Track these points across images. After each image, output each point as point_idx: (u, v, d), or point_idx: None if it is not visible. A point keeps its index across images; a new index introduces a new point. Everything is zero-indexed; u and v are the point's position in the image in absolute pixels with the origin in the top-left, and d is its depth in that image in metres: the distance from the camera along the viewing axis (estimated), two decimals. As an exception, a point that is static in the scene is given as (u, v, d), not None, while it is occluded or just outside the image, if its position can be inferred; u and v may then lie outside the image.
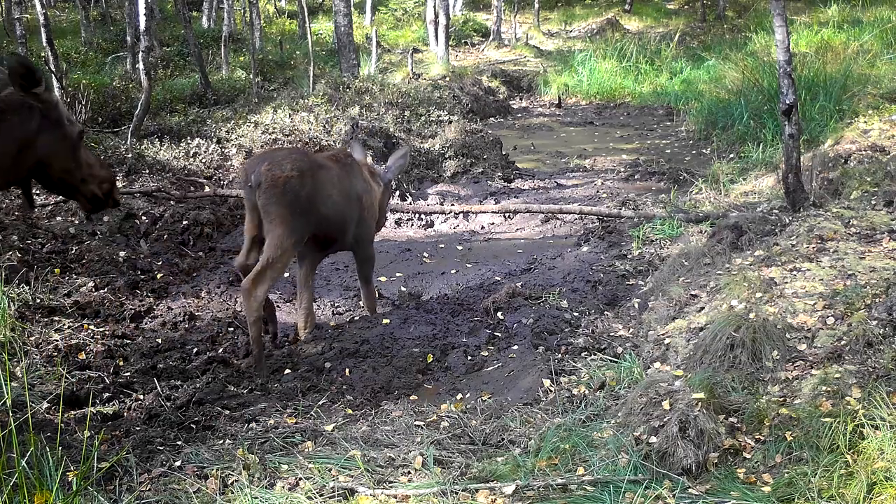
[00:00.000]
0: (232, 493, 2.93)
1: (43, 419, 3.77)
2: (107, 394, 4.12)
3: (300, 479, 3.03)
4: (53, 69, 9.23)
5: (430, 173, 9.41)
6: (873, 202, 5.48)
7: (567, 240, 7.13)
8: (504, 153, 10.41)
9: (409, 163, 9.13)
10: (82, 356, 4.53)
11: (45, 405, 3.85)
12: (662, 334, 4.27)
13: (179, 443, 3.47)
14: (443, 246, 7.11)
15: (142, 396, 4.14)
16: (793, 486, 2.77)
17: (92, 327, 4.94)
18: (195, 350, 4.83)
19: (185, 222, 6.90)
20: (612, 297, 5.29)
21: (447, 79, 14.26)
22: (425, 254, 6.86)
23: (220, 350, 4.85)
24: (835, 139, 7.80)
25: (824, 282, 4.17)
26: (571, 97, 15.83)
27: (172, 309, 5.41)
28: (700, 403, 3.11)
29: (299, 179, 4.42)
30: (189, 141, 9.04)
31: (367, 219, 5.11)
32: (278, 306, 5.61)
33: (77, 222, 6.52)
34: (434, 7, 16.50)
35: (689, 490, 2.87)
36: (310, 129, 9.48)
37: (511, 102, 15.73)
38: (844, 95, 8.81)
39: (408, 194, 8.51)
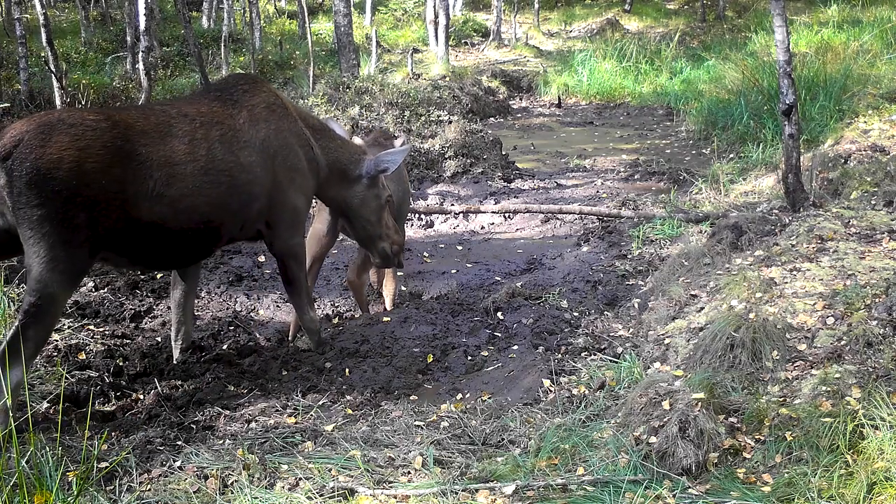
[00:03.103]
0: (232, 493, 2.93)
1: (43, 419, 3.78)
2: (106, 394, 4.12)
3: (300, 479, 3.03)
4: (53, 69, 9.23)
5: (430, 173, 9.40)
6: (873, 202, 5.49)
7: (567, 240, 7.13)
8: (504, 153, 10.41)
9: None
10: (82, 356, 4.53)
11: (45, 405, 3.85)
12: (662, 334, 4.27)
13: (179, 443, 3.47)
14: (443, 246, 7.11)
15: (142, 396, 4.14)
16: (793, 486, 2.77)
17: (92, 327, 4.94)
18: (196, 349, 4.83)
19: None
20: (612, 297, 5.30)
21: (447, 79, 14.24)
22: (425, 254, 6.86)
23: (224, 347, 4.84)
24: (835, 139, 7.81)
25: (824, 282, 4.17)
26: (571, 97, 15.82)
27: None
28: (700, 403, 3.11)
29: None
30: (189, 141, 9.01)
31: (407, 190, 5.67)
32: (278, 306, 5.62)
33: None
34: (434, 7, 16.48)
35: (689, 490, 2.86)
36: (310, 129, 9.46)
37: (511, 102, 15.72)
38: (844, 95, 8.80)
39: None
